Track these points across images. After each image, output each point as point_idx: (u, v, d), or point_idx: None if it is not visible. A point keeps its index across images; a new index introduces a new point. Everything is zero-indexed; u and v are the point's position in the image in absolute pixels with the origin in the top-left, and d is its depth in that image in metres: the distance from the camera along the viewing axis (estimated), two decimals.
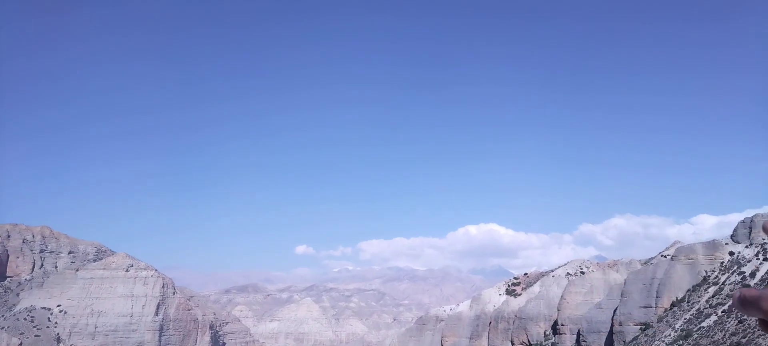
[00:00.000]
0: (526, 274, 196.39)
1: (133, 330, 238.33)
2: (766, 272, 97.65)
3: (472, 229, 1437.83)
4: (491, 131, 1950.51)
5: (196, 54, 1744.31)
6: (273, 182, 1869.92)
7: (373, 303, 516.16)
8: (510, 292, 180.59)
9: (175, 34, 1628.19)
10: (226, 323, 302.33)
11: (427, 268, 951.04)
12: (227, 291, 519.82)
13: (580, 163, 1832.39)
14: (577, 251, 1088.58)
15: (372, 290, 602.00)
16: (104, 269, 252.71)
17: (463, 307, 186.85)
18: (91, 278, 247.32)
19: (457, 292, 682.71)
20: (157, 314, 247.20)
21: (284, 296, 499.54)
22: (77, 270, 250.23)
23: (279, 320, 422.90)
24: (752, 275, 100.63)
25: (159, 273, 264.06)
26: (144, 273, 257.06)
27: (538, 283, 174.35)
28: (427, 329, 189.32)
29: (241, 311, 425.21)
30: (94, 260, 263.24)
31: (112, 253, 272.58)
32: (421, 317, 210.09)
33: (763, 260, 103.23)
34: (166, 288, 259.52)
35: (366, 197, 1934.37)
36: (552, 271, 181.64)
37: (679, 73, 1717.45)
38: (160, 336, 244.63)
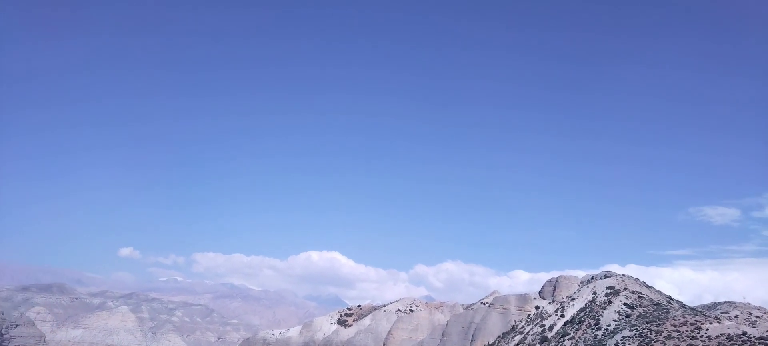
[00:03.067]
0: (359, 306, 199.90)
1: None
2: (561, 327, 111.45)
3: (315, 255, 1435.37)
4: (343, 166, 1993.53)
5: None
6: (99, 174, 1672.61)
7: (198, 319, 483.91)
8: (342, 322, 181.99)
9: None
10: (16, 325, 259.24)
11: (262, 288, 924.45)
12: (25, 288, 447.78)
13: (420, 209, 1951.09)
14: (410, 289, 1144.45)
15: (200, 305, 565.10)
16: None
17: (293, 332, 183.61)
18: None
19: (289, 316, 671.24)
20: None
21: (96, 301, 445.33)
22: None
23: (84, 328, 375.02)
24: (551, 328, 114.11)
25: None
26: None
27: (370, 316, 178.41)
28: None
29: (38, 313, 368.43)
30: None
31: None
32: (247, 339, 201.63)
33: (561, 316, 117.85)
34: None
35: (207, 207, 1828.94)
36: (384, 306, 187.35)
37: (500, 142, 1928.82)
38: None
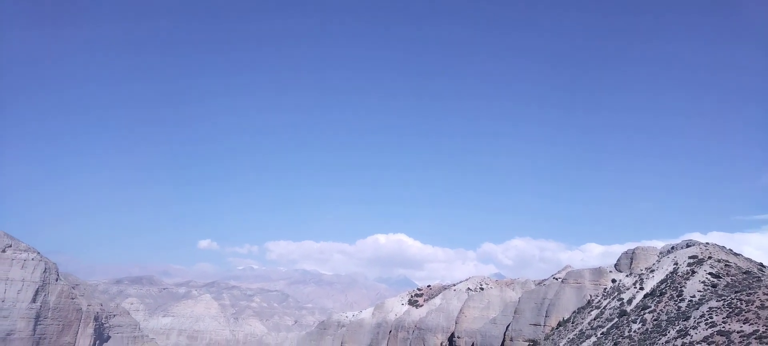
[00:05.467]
0: (429, 286, 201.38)
1: (3, 317, 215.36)
2: (640, 300, 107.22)
3: (382, 237, 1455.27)
4: (405, 146, 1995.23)
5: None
6: (178, 172, 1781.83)
7: (275, 304, 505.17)
8: (412, 302, 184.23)
9: None
10: (114, 315, 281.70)
11: (333, 273, 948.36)
12: (118, 282, 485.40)
13: (486, 186, 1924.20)
14: (478, 268, 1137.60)
15: (276, 291, 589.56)
16: None
17: (366, 314, 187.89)
18: None
19: (361, 299, 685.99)
20: (34, 300, 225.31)
21: (182, 290, 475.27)
22: None
23: (173, 316, 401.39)
24: (629, 301, 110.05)
25: (41, 256, 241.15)
26: (23, 256, 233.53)
27: (440, 296, 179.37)
28: (327, 334, 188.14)
29: (131, 304, 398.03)
30: None
31: None
32: (322, 322, 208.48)
33: (640, 289, 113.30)
34: (48, 273, 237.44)
35: (277, 197, 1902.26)
36: (454, 285, 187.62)
37: (572, 114, 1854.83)
38: (35, 325, 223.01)
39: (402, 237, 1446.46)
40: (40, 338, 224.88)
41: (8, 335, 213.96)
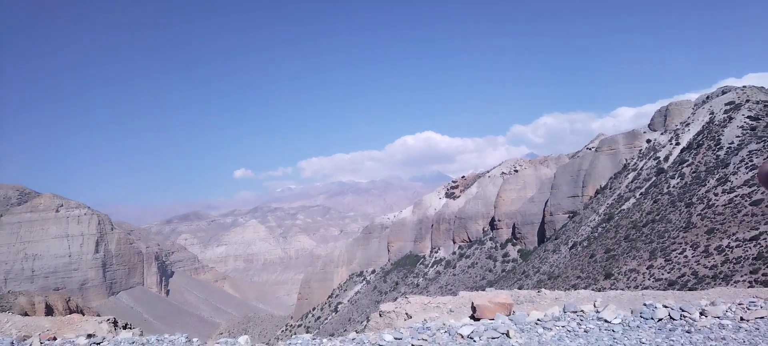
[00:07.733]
0: (463, 177, 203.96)
1: (74, 269, 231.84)
2: (677, 156, 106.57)
3: (410, 139, 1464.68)
4: (422, 42, 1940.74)
5: None
6: (206, 107, 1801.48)
7: (318, 218, 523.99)
8: (449, 195, 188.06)
9: None
10: (172, 252, 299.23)
11: (369, 180, 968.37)
12: (169, 221, 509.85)
13: (509, 68, 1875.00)
14: (510, 151, 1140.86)
15: (317, 206, 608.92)
16: (31, 211, 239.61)
17: (406, 213, 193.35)
18: (18, 222, 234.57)
19: (399, 200, 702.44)
20: (97, 251, 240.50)
21: (228, 220, 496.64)
22: (1, 216, 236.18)
23: (226, 244, 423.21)
24: (666, 158, 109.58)
25: (93, 210, 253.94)
26: (76, 212, 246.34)
27: (476, 184, 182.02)
28: (373, 237, 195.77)
29: (186, 239, 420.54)
30: (18, 204, 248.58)
31: (38, 194, 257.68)
32: (366, 227, 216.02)
33: (676, 145, 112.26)
34: (102, 224, 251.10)
35: (302, 116, 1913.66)
36: (488, 172, 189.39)
37: None
38: (104, 272, 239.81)
39: (430, 134, 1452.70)
40: (111, 282, 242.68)
41: (83, 285, 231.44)
